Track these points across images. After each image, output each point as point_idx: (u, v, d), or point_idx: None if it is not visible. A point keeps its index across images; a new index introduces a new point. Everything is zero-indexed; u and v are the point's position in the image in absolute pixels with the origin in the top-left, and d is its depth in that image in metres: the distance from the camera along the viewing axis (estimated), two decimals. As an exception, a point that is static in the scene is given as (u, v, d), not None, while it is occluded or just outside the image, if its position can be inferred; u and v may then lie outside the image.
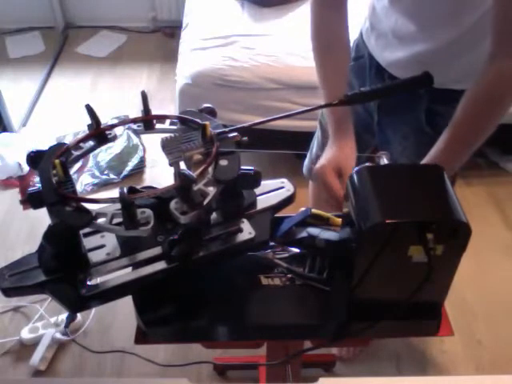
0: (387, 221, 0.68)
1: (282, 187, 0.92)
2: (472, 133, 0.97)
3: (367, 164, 0.83)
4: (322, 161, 1.05)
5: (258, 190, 0.87)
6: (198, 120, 0.81)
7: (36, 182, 2.33)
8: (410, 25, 1.05)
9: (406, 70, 1.00)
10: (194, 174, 0.71)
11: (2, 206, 2.27)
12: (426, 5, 1.01)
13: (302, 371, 1.20)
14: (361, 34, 1.25)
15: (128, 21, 3.43)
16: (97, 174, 2.39)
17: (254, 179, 0.81)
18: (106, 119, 2.48)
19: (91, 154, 2.36)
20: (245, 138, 0.80)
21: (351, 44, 1.20)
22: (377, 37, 1.16)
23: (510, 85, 0.92)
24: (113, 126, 0.83)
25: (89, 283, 0.76)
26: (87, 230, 0.78)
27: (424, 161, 0.99)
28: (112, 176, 2.38)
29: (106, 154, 2.46)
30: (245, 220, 0.84)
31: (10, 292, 0.76)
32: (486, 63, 0.91)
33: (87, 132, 0.81)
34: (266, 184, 0.90)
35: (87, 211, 0.71)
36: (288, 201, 0.91)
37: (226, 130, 0.80)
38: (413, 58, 1.07)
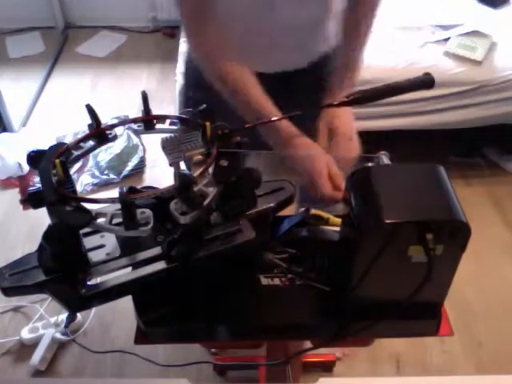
0: (387, 221, 0.68)
1: (282, 188, 0.92)
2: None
3: (367, 164, 0.84)
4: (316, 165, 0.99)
5: (258, 191, 0.87)
6: (198, 120, 0.81)
7: (36, 182, 2.33)
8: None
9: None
10: (194, 175, 0.71)
11: (2, 205, 2.27)
12: None
13: (301, 371, 1.20)
14: None
15: (128, 21, 3.43)
16: (97, 173, 2.39)
17: (255, 180, 0.80)
18: (106, 119, 2.48)
19: (91, 154, 2.36)
20: (245, 139, 0.80)
21: None
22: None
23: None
24: (113, 126, 0.83)
25: (89, 283, 0.76)
26: (87, 229, 0.78)
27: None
28: (112, 176, 2.38)
29: (106, 153, 2.47)
30: (245, 220, 0.84)
31: (9, 291, 0.76)
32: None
33: (87, 132, 0.81)
34: (266, 184, 0.90)
35: (87, 211, 0.71)
36: (288, 201, 0.91)
37: (226, 130, 0.80)
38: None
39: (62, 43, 3.31)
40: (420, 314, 0.81)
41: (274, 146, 1.02)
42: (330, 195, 0.96)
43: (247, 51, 1.01)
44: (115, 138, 0.84)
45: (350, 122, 1.03)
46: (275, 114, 0.97)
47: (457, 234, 0.70)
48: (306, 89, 1.18)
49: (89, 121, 0.81)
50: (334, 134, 1.02)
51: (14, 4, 3.29)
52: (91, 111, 0.80)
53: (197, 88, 1.24)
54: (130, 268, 0.80)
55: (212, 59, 1.03)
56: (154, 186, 0.81)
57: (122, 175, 2.39)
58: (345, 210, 0.81)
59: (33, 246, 0.77)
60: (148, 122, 0.84)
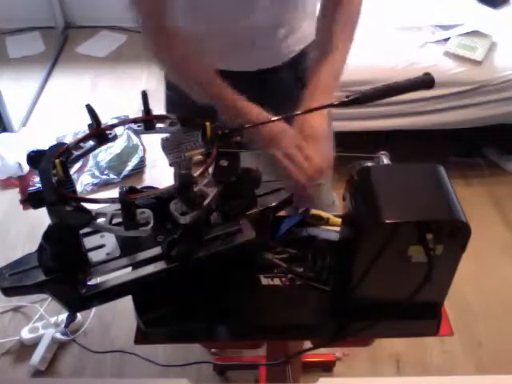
0: (387, 221, 0.68)
1: (282, 188, 0.92)
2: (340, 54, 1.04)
3: (367, 164, 0.84)
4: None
5: (258, 191, 0.87)
6: (198, 120, 0.81)
7: (36, 182, 2.33)
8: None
9: None
10: (194, 175, 0.71)
11: (2, 205, 2.27)
12: None
13: (301, 371, 1.20)
14: None
15: (128, 21, 3.40)
16: (97, 173, 2.39)
17: (254, 180, 0.80)
18: (106, 119, 2.48)
19: (91, 154, 2.36)
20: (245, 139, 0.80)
21: None
22: None
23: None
24: (113, 126, 0.83)
25: (89, 283, 0.76)
26: (87, 229, 0.78)
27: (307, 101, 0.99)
28: (112, 176, 2.38)
29: (106, 153, 2.47)
30: (245, 220, 0.84)
31: (9, 291, 0.76)
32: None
33: (87, 132, 0.81)
34: (266, 184, 0.90)
35: (87, 211, 0.71)
36: (288, 201, 0.91)
37: (226, 130, 0.80)
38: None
39: (61, 43, 3.31)
40: (420, 313, 0.81)
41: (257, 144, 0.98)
42: (301, 163, 0.92)
43: (221, 51, 1.00)
44: (115, 138, 0.84)
45: (319, 123, 0.99)
46: (259, 112, 0.94)
47: (457, 234, 0.70)
48: (284, 86, 1.18)
49: (89, 121, 0.81)
50: (303, 136, 0.97)
51: (13, 4, 3.29)
52: (91, 111, 0.80)
53: (167, 86, 1.25)
54: (130, 268, 0.80)
55: (176, 62, 0.99)
56: (154, 186, 0.81)
57: (122, 175, 2.39)
58: (339, 205, 0.81)
59: (33, 245, 0.77)
60: (148, 122, 0.84)
